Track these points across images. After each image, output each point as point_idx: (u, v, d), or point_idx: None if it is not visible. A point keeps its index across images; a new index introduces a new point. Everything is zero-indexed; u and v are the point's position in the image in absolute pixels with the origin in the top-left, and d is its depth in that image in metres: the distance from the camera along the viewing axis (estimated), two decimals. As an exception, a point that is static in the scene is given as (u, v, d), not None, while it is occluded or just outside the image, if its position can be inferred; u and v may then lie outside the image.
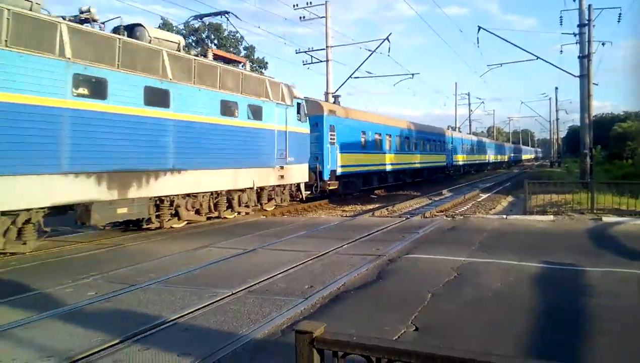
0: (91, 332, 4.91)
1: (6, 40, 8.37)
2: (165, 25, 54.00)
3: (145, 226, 12.12)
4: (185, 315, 5.44)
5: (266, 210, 16.42)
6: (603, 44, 25.88)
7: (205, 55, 13.87)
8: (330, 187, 21.06)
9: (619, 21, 25.56)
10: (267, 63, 59.08)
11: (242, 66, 15.55)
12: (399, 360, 2.10)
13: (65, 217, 10.81)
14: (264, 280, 6.88)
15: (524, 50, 25.41)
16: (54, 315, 5.52)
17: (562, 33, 32.16)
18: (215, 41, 57.04)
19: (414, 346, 2.19)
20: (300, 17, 28.92)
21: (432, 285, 6.40)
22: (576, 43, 23.77)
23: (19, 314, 5.55)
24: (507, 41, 24.97)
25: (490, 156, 62.87)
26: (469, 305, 5.69)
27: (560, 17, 25.85)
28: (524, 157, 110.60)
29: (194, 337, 4.84)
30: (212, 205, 13.84)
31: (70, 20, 9.94)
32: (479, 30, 25.77)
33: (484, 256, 8.26)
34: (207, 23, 54.63)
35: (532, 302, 5.81)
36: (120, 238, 11.10)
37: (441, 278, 6.78)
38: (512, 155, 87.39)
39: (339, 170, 21.70)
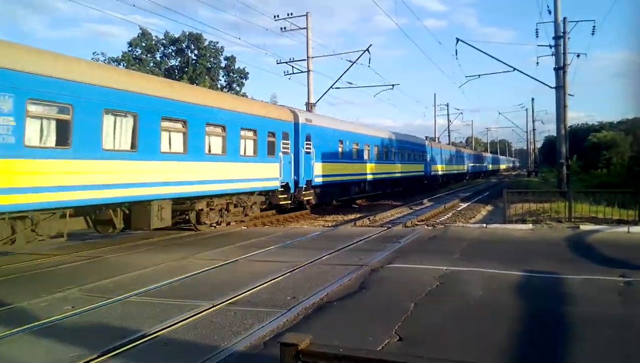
0: (68, 347, 4.77)
1: None
2: (144, 35, 53.82)
3: None
4: (165, 328, 5.33)
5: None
6: (578, 56, 26.34)
7: None
8: None
9: (593, 33, 26.12)
10: (247, 73, 59.40)
11: None
12: (386, 371, 2.08)
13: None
14: (246, 292, 6.79)
15: (501, 61, 25.62)
16: (29, 330, 5.36)
17: (538, 45, 32.67)
18: (196, 51, 56.93)
19: (400, 357, 2.16)
20: (282, 28, 28.95)
21: (415, 295, 6.39)
22: (552, 55, 24.24)
23: (-8, 330, 5.37)
24: (485, 53, 25.23)
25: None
26: (452, 314, 5.70)
27: (536, 29, 26.33)
28: (502, 166, 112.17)
29: (174, 350, 4.74)
30: None
31: None
32: (457, 42, 26.07)
33: (465, 265, 8.29)
34: (187, 33, 54.70)
35: (515, 310, 5.84)
36: (99, 249, 10.87)
37: (424, 287, 6.78)
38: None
39: None
